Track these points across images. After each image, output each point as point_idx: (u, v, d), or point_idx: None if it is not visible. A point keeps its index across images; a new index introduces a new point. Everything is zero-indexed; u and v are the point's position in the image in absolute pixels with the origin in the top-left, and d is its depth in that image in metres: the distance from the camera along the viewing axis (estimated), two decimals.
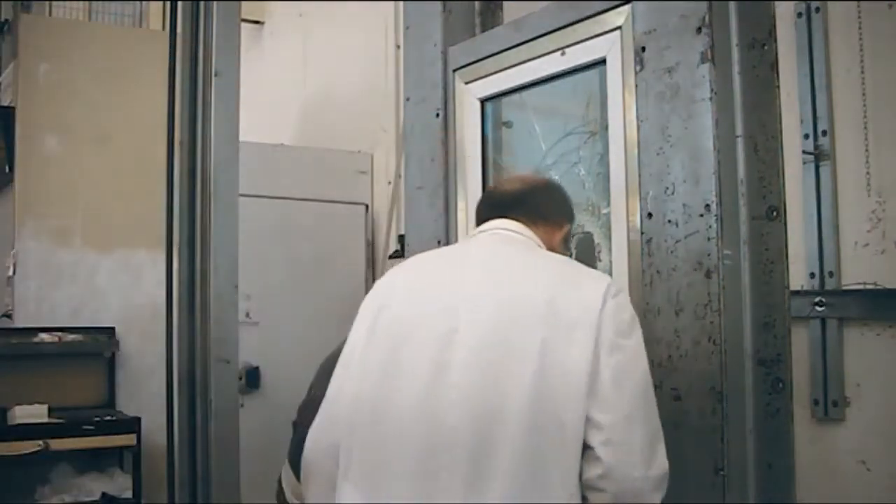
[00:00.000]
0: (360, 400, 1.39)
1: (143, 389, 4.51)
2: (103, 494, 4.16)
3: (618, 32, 2.11)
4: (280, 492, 2.00)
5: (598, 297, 1.41)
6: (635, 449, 1.35)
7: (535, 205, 1.68)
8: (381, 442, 1.35)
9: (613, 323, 1.39)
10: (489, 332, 1.38)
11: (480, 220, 1.73)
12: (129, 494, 4.18)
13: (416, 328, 1.40)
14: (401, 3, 3.28)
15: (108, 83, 4.80)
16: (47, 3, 5.82)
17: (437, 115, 2.66)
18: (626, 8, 2.07)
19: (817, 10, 2.47)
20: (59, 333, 4.43)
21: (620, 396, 1.36)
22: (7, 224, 4.70)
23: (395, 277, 1.55)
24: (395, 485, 1.33)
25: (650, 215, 1.94)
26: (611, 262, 2.15)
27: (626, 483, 1.33)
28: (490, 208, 1.70)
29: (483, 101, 2.57)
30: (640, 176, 1.98)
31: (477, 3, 2.78)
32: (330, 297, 4.24)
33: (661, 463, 1.38)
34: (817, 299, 2.40)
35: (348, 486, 1.36)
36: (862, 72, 2.37)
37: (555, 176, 2.39)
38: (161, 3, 5.55)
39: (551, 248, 1.68)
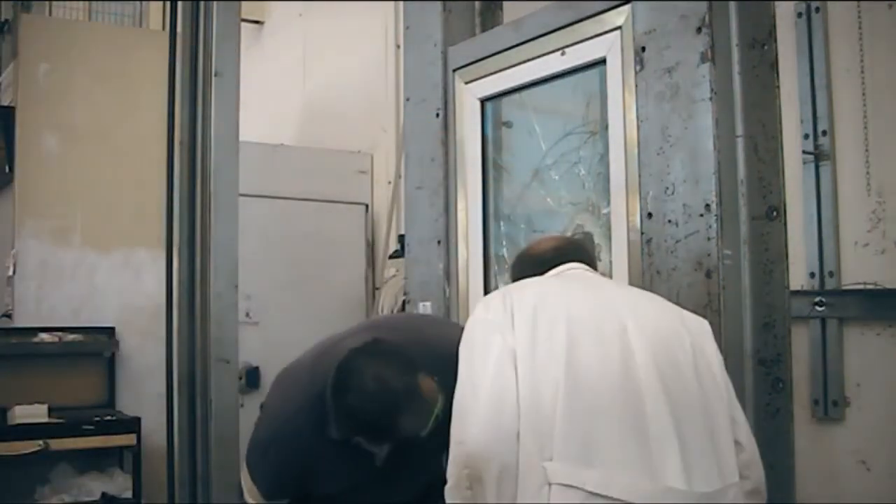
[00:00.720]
0: (546, 389, 1.52)
1: (143, 389, 4.51)
2: (103, 494, 4.15)
3: (618, 32, 2.11)
4: (240, 493, 2.03)
5: (703, 321, 1.65)
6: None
7: (586, 255, 1.87)
8: (588, 420, 1.50)
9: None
10: (654, 329, 1.57)
11: (541, 266, 1.83)
12: (129, 494, 4.18)
13: (589, 327, 1.57)
14: (401, 3, 3.28)
15: (108, 83, 4.79)
16: (47, 3, 5.81)
17: (437, 115, 2.66)
18: (626, 8, 2.07)
19: (817, 10, 2.47)
20: (59, 333, 4.43)
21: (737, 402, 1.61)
22: (7, 224, 4.69)
23: (523, 295, 1.66)
24: (613, 452, 1.48)
25: (650, 215, 1.94)
26: (611, 262, 2.15)
27: (761, 473, 1.57)
28: (555, 255, 1.85)
29: (483, 101, 2.57)
30: (640, 176, 1.98)
31: (477, 3, 2.78)
32: (330, 297, 4.24)
33: None
34: (817, 299, 2.40)
35: (557, 464, 1.48)
36: (862, 72, 2.37)
37: (555, 176, 2.39)
38: (161, 3, 5.55)
39: None
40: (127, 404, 4.54)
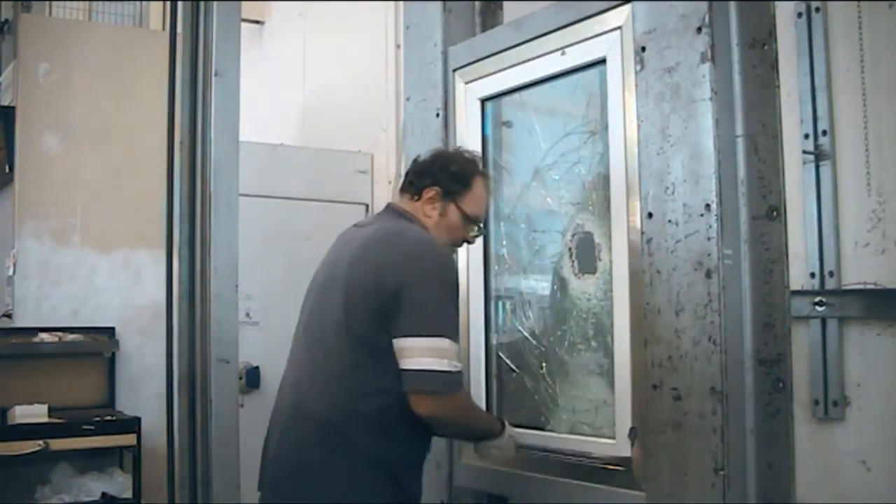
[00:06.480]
0: None
1: (143, 389, 4.51)
2: (103, 494, 4.15)
3: (618, 32, 2.11)
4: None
5: None
6: None
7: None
8: None
9: None
10: None
11: None
12: (129, 494, 4.18)
13: None
14: (401, 3, 3.28)
15: (108, 83, 4.80)
16: (47, 3, 5.80)
17: (437, 115, 2.66)
18: (626, 8, 2.07)
19: (817, 10, 2.47)
20: (59, 333, 4.43)
21: None
22: (7, 224, 4.70)
23: None
24: None
25: (650, 215, 1.94)
26: (611, 262, 2.16)
27: None
28: None
29: (483, 101, 2.57)
30: (640, 176, 1.98)
31: (477, 3, 2.77)
32: None
33: None
34: (817, 299, 2.39)
35: None
36: (862, 72, 2.37)
37: (555, 176, 2.40)
38: (161, 3, 5.55)
39: None
40: (127, 404, 4.54)
